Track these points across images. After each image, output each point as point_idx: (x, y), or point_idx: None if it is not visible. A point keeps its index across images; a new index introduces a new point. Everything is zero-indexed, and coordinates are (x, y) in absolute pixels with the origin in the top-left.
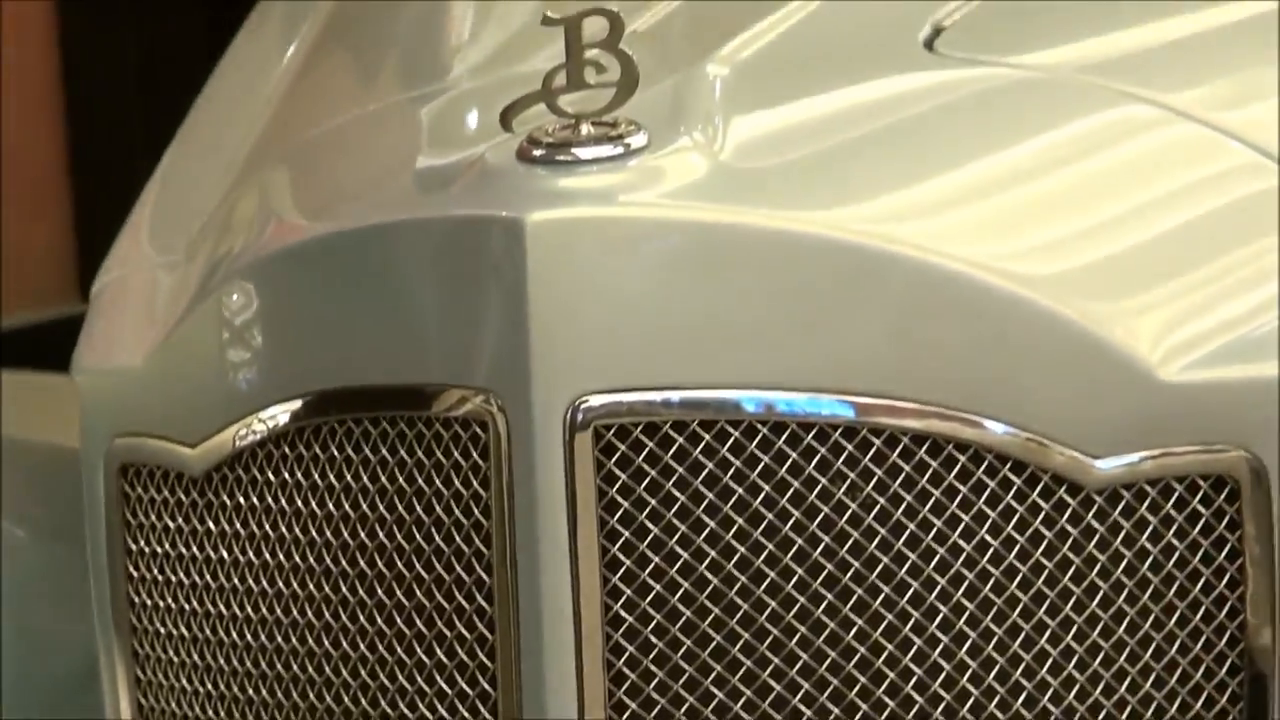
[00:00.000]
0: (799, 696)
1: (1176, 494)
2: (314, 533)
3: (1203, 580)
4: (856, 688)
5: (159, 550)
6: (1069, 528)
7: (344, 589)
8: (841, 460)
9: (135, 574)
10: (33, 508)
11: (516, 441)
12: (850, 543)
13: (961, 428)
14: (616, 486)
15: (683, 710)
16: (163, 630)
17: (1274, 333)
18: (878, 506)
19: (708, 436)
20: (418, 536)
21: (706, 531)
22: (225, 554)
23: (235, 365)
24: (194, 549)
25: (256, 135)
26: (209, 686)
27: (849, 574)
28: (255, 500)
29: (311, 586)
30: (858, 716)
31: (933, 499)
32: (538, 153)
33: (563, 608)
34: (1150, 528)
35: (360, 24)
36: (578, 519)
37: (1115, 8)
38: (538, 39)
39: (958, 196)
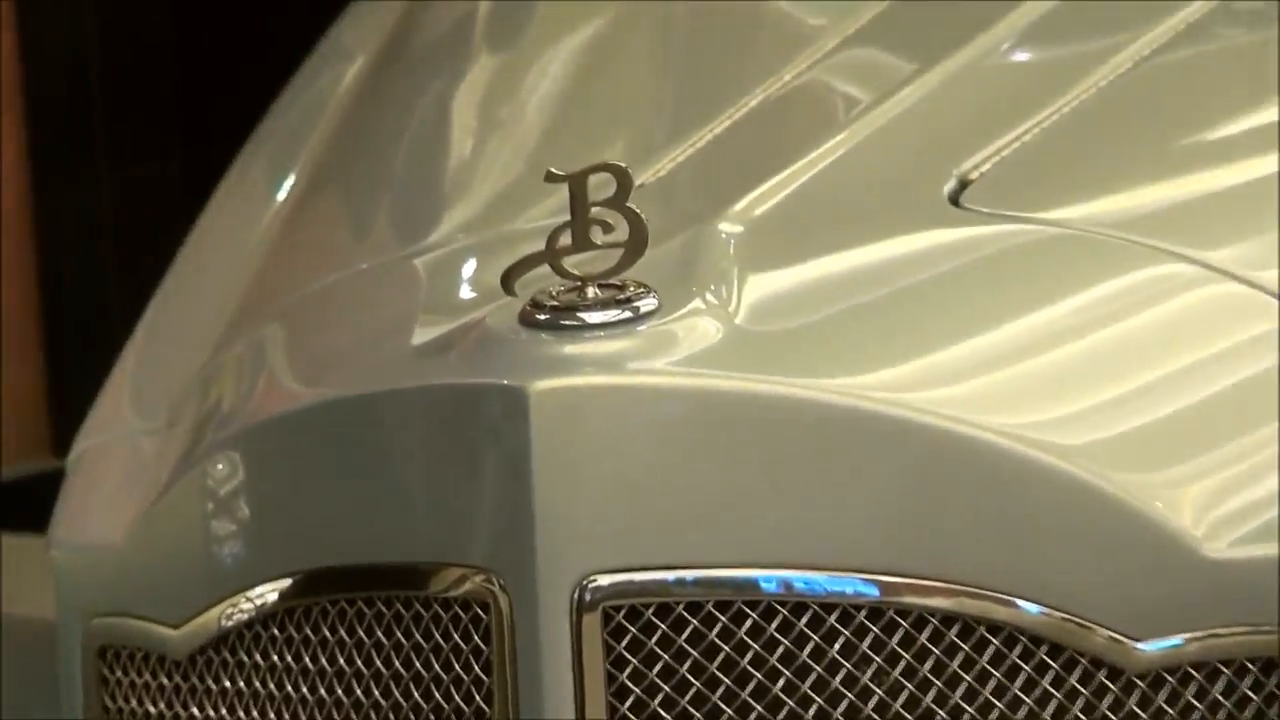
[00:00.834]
0: None
1: (1223, 677)
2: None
3: None
4: None
5: None
6: (1110, 715)
7: None
8: (867, 643)
9: None
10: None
11: (520, 623)
12: None
13: (994, 607)
14: (627, 671)
15: None
16: None
17: None
18: (906, 692)
19: (724, 618)
20: None
21: None
22: None
23: (221, 541)
24: None
25: (243, 290)
26: None
27: None
28: (242, 685)
29: None
30: None
31: (964, 684)
32: (541, 317)
33: None
34: (1197, 715)
35: (351, 169)
36: (585, 705)
37: (1148, 158)
38: (537, 190)
39: (985, 361)
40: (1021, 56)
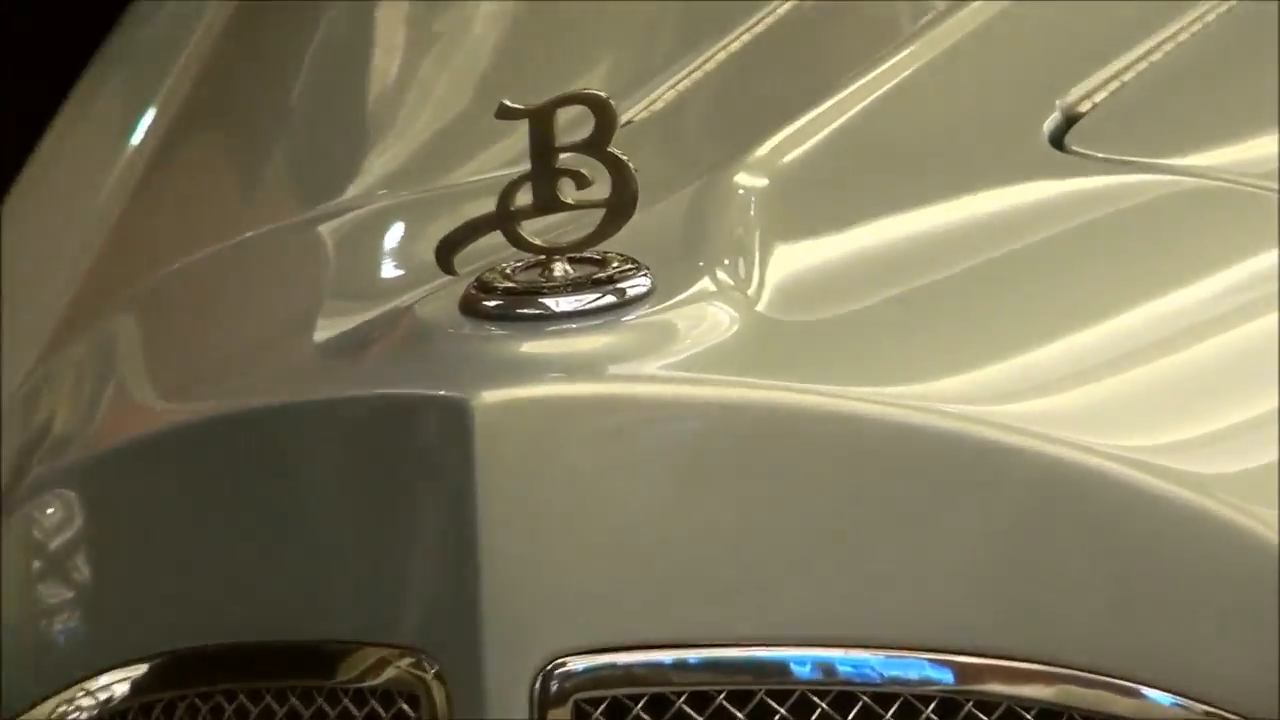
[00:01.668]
0: None
1: None
2: None
3: None
4: None
5: None
6: None
7: None
8: None
9: None
10: None
11: None
12: None
13: (1112, 698)
14: None
15: None
16: None
17: None
18: None
19: (741, 716)
20: None
21: None
22: None
23: (52, 612)
24: None
25: (84, 270)
26: None
27: None
28: None
29: None
30: None
31: None
32: (491, 304)
33: None
34: None
35: (232, 102)
36: None
37: None
38: (487, 131)
39: (1106, 362)
40: None
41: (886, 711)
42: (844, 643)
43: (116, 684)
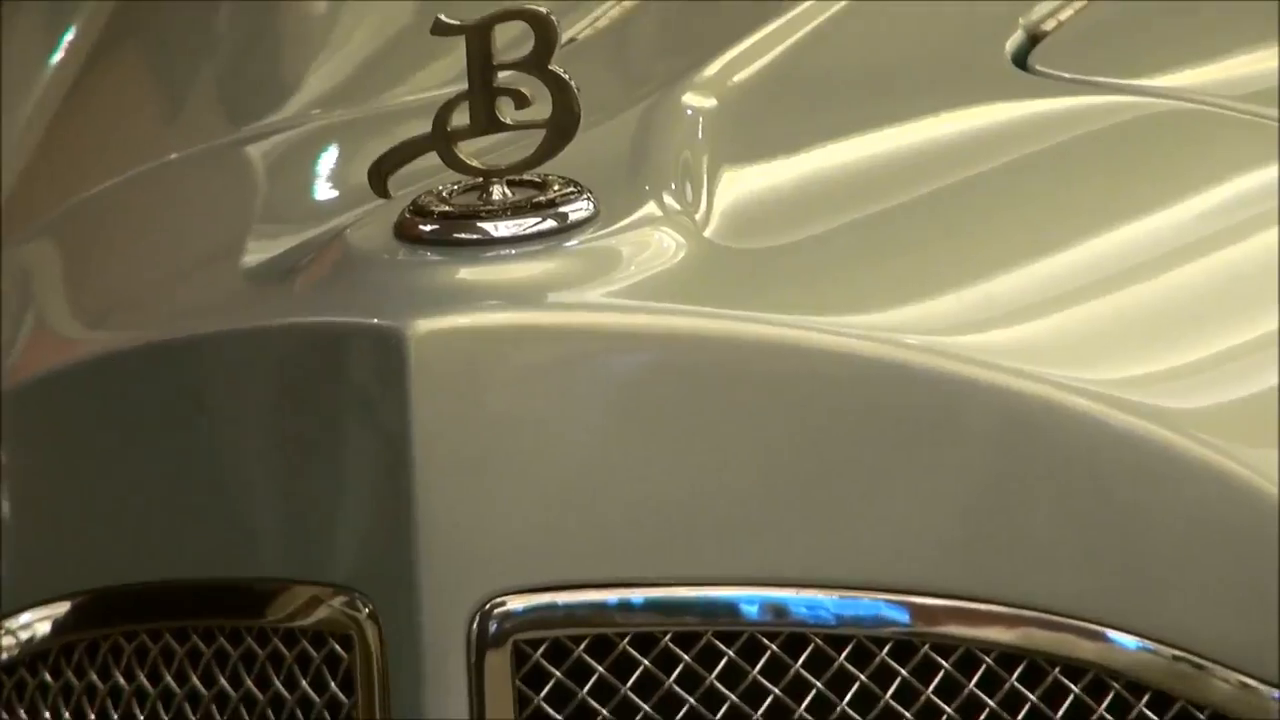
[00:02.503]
0: None
1: None
2: None
3: None
4: None
5: None
6: None
7: None
8: (892, 691)
9: None
10: None
11: (396, 665)
12: None
13: (1075, 641)
14: None
15: None
16: None
17: None
18: None
19: (687, 657)
20: None
21: None
22: None
23: None
24: None
25: (9, 189)
26: None
27: None
28: None
29: None
30: None
31: None
32: (427, 228)
33: None
34: None
35: (159, 22)
36: None
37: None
38: (422, 48)
39: (1073, 290)
40: None
41: (839, 654)
42: (796, 583)
43: (38, 622)
